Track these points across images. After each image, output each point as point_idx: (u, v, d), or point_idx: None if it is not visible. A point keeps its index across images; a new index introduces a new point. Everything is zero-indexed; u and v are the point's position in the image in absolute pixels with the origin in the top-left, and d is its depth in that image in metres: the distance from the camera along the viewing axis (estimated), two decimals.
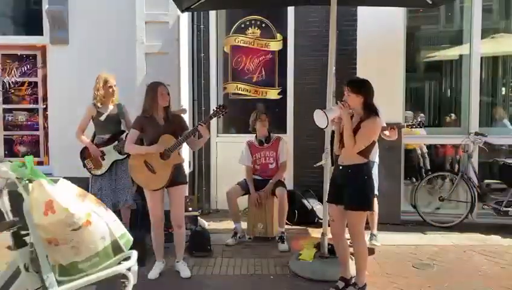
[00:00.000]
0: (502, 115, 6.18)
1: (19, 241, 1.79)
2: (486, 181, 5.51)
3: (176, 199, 3.90)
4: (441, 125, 6.35)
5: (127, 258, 1.90)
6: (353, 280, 3.53)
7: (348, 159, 3.40)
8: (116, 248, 1.81)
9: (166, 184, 3.81)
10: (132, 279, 1.90)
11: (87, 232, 1.74)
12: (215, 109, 3.96)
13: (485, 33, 5.69)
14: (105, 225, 1.77)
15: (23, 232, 1.75)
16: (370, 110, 3.33)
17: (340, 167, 3.46)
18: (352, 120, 3.36)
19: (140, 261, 4.14)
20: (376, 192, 4.60)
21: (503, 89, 6.62)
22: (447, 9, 6.32)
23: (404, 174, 5.59)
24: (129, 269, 1.87)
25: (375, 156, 4.59)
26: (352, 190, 3.36)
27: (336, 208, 3.49)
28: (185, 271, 3.95)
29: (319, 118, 3.31)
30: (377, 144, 4.50)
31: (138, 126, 3.83)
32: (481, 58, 5.68)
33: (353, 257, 3.56)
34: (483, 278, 3.92)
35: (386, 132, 4.37)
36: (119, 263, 1.85)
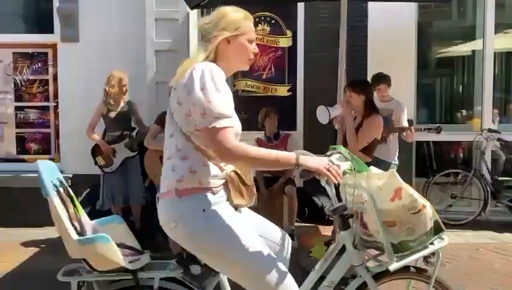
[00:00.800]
0: None
1: (345, 224, 2.08)
2: (500, 178, 5.43)
3: None
4: (454, 122, 6.27)
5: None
6: None
7: None
8: (437, 228, 2.05)
9: None
10: (440, 258, 2.15)
11: (423, 214, 1.98)
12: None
13: (498, 28, 5.60)
14: (430, 207, 2.00)
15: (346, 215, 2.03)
16: (371, 109, 3.43)
17: None
18: (353, 119, 3.44)
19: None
20: None
21: None
22: (459, 4, 6.23)
23: (415, 171, 5.54)
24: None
25: (394, 157, 4.55)
26: None
27: None
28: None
29: (322, 114, 3.42)
30: (397, 145, 4.50)
31: (160, 121, 3.87)
32: (494, 54, 5.60)
33: None
34: (497, 276, 3.87)
35: (404, 133, 4.37)
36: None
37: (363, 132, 3.35)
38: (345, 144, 3.44)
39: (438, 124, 4.53)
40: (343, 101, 3.45)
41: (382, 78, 4.52)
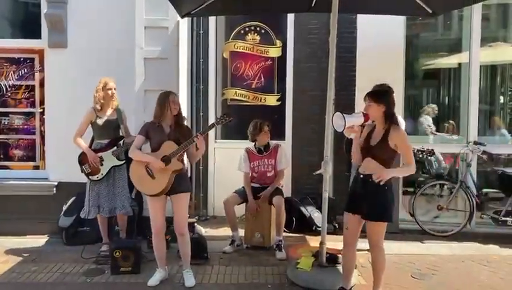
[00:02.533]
0: (500, 125, 6.19)
1: None
2: (485, 190, 5.50)
3: (178, 207, 3.87)
4: (439, 134, 6.33)
5: None
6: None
7: (370, 168, 3.33)
8: None
9: (164, 190, 3.77)
10: None
11: None
12: (218, 117, 3.94)
13: (483, 41, 5.69)
14: None
15: None
16: (392, 120, 3.29)
17: (361, 176, 3.39)
18: (374, 131, 3.34)
19: (136, 268, 4.14)
20: None
21: (501, 98, 6.63)
22: (446, 17, 6.34)
23: (402, 183, 5.57)
24: None
25: None
26: (373, 200, 3.30)
27: (353, 217, 3.43)
28: (189, 280, 3.91)
29: (338, 121, 3.26)
30: None
31: (144, 132, 3.86)
32: (480, 66, 5.69)
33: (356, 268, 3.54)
34: (482, 288, 3.90)
35: None
36: None
37: (404, 148, 3.27)
38: (365, 155, 3.38)
39: (431, 148, 4.54)
40: (362, 112, 3.34)
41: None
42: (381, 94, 3.35)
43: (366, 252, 3.65)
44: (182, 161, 3.90)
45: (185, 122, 4.07)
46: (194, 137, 3.77)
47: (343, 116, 3.22)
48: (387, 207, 3.34)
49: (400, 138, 3.27)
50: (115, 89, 4.55)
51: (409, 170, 3.35)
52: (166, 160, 3.73)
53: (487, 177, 5.80)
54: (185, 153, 3.89)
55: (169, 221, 3.99)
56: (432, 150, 4.50)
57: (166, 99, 3.82)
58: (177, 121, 3.88)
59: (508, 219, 5.15)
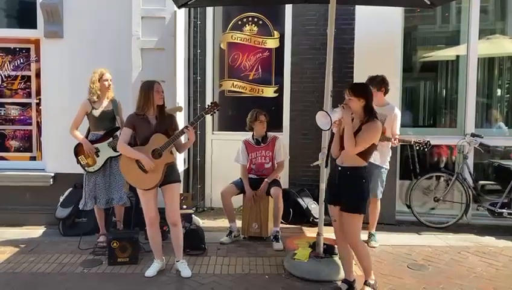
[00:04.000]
0: (497, 117, 6.20)
1: None
2: (481, 182, 5.52)
3: (170, 197, 3.86)
4: (437, 126, 6.34)
5: None
6: (355, 284, 3.56)
7: (347, 160, 3.41)
8: None
9: (158, 183, 3.76)
10: None
11: None
12: (206, 107, 3.93)
13: (481, 34, 5.68)
14: None
15: None
16: (371, 114, 3.38)
17: (339, 168, 3.45)
18: (352, 123, 3.38)
19: (133, 259, 4.15)
20: (380, 195, 4.63)
21: (499, 90, 6.63)
22: (444, 9, 6.31)
23: (399, 174, 5.59)
24: None
25: (386, 162, 4.60)
26: (349, 193, 3.37)
27: (335, 208, 3.50)
28: (185, 270, 3.92)
29: (322, 119, 3.29)
30: (390, 151, 4.54)
31: (131, 125, 3.77)
32: (478, 59, 5.68)
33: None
34: (478, 279, 3.92)
35: (396, 141, 4.47)
36: None
37: (362, 136, 3.31)
38: (342, 148, 3.43)
39: (427, 140, 4.54)
40: (342, 105, 3.37)
41: (380, 82, 4.55)
42: (361, 88, 3.45)
43: None
44: (172, 152, 3.89)
45: (182, 112, 4.04)
46: (184, 128, 3.76)
47: (328, 114, 3.27)
48: (363, 200, 3.41)
49: (369, 128, 3.33)
50: (110, 80, 4.52)
51: (350, 142, 3.31)
52: (157, 154, 3.70)
53: (484, 169, 5.82)
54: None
55: (162, 212, 3.98)
56: (428, 141, 4.51)
57: (151, 89, 3.74)
58: (161, 111, 3.82)
59: (504, 210, 5.17)
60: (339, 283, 3.70)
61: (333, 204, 3.52)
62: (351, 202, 3.36)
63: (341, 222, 3.48)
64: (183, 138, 3.91)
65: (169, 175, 3.81)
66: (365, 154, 3.38)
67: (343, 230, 3.49)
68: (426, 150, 4.56)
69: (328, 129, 3.43)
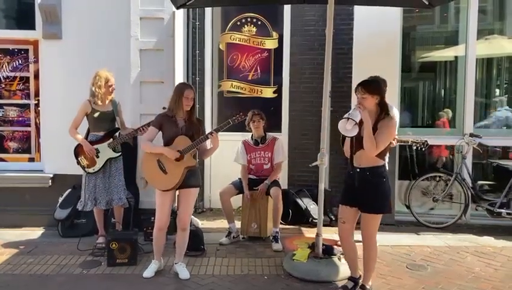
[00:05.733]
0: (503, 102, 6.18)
1: None
2: (480, 182, 5.52)
3: (185, 201, 3.86)
4: (435, 126, 6.35)
5: None
6: (361, 280, 3.55)
7: (366, 161, 3.34)
8: None
9: (176, 185, 3.76)
10: None
11: None
12: (234, 115, 3.94)
13: (479, 34, 5.69)
14: None
15: None
16: (385, 110, 3.31)
17: (358, 170, 3.38)
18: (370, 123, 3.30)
19: (132, 260, 4.14)
20: None
21: (497, 90, 6.64)
22: (442, 10, 6.32)
23: (398, 175, 5.59)
24: None
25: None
26: (372, 194, 3.32)
27: (349, 209, 3.45)
28: (183, 272, 3.91)
29: (347, 126, 3.18)
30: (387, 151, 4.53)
31: (158, 124, 3.81)
32: (476, 59, 5.69)
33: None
34: (477, 279, 3.93)
35: (394, 142, 4.43)
36: None
37: (381, 135, 3.22)
38: (358, 148, 3.34)
39: (425, 139, 4.54)
40: (357, 106, 3.29)
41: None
42: (374, 85, 3.37)
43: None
44: (195, 157, 3.88)
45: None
46: (209, 134, 3.77)
47: (351, 119, 3.15)
48: (386, 199, 3.37)
49: (387, 124, 3.27)
50: (113, 84, 4.54)
51: (371, 143, 3.23)
52: (180, 154, 3.71)
53: (482, 170, 5.83)
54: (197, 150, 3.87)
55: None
56: (426, 141, 4.52)
57: (181, 93, 3.75)
58: (191, 116, 3.83)
59: (502, 210, 5.18)
60: (338, 283, 3.71)
61: (349, 205, 3.46)
62: (375, 202, 3.32)
63: (352, 224, 3.47)
64: (208, 143, 3.91)
65: (189, 179, 3.81)
66: (383, 153, 3.34)
67: (352, 232, 3.48)
68: (424, 149, 4.56)
69: (355, 134, 3.26)
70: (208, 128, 4.60)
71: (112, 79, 4.49)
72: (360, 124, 3.27)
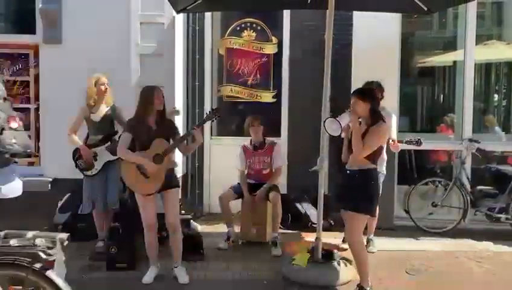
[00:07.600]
0: (494, 122, 6.22)
1: None
2: (479, 187, 5.53)
3: (170, 202, 3.84)
4: (435, 131, 6.37)
5: None
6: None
7: (355, 163, 3.46)
8: None
9: (158, 189, 3.76)
10: None
11: None
12: (208, 113, 3.95)
13: (478, 40, 5.72)
14: None
15: None
16: (377, 117, 3.45)
17: (348, 172, 3.51)
18: (360, 127, 3.44)
19: (132, 265, 4.14)
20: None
21: (496, 96, 6.67)
22: (441, 15, 6.36)
23: (397, 180, 5.59)
24: None
25: (382, 167, 4.60)
26: (356, 193, 3.41)
27: (346, 213, 3.53)
28: (183, 277, 3.90)
29: (332, 126, 3.33)
30: (385, 155, 4.55)
31: (130, 129, 3.76)
32: (474, 64, 5.71)
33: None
34: (475, 284, 3.93)
35: (396, 146, 4.51)
36: None
37: (369, 139, 3.37)
38: (351, 151, 3.48)
39: (418, 138, 4.57)
40: (348, 110, 3.44)
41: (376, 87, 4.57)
42: (366, 92, 3.57)
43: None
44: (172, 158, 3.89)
45: (180, 116, 4.06)
46: (192, 130, 3.77)
47: (337, 120, 3.30)
48: (371, 201, 3.46)
49: (376, 130, 3.39)
50: (107, 84, 4.52)
51: (358, 146, 3.36)
52: (159, 158, 3.68)
53: (481, 174, 5.83)
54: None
55: (160, 217, 3.95)
56: (419, 139, 4.54)
57: (151, 94, 3.73)
58: (162, 117, 3.81)
59: (501, 215, 5.19)
60: (338, 288, 3.72)
61: (344, 209, 3.55)
62: (357, 202, 3.40)
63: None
64: (189, 140, 3.92)
65: (169, 180, 3.81)
66: (373, 156, 3.44)
67: (346, 235, 3.54)
68: (418, 145, 4.58)
69: (339, 135, 3.44)
70: (182, 129, 4.53)
71: (102, 79, 4.47)
72: (350, 127, 3.46)
